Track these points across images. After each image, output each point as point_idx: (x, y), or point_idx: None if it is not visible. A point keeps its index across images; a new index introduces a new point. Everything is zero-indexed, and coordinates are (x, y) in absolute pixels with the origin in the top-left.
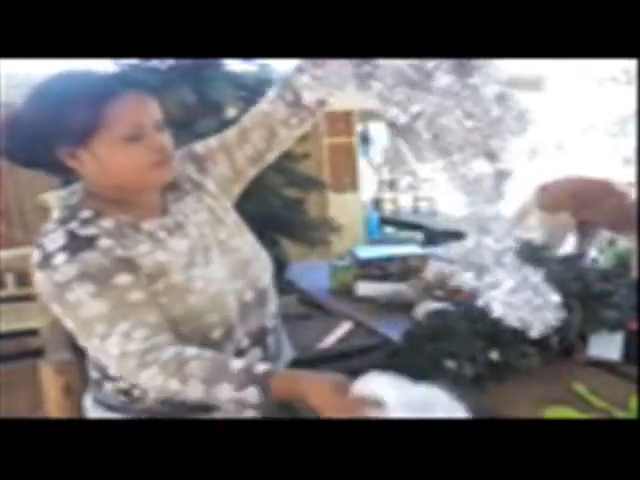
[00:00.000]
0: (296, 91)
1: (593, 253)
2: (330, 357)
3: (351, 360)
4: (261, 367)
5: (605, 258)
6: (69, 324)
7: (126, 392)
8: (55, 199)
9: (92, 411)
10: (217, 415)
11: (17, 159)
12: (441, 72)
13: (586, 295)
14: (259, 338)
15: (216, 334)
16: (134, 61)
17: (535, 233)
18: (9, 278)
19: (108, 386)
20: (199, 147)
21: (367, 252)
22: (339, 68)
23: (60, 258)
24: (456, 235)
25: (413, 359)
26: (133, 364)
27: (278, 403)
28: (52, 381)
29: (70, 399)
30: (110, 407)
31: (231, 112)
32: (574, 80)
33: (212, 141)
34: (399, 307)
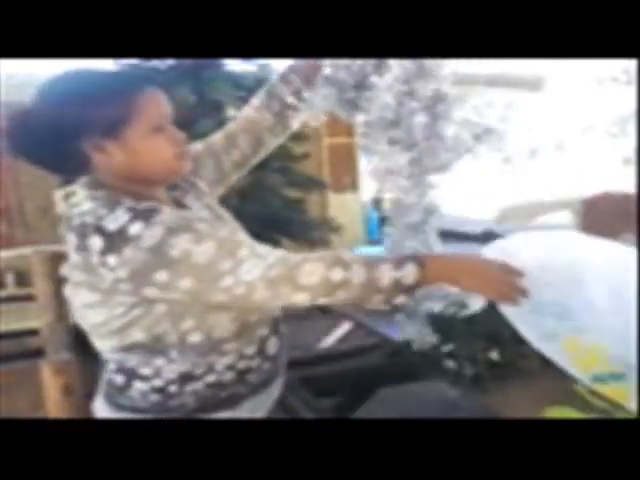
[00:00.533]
0: (282, 100)
1: None
2: (330, 357)
3: (351, 360)
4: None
5: None
6: (186, 282)
7: (161, 390)
8: (60, 198)
9: (110, 416)
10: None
11: (30, 155)
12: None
13: None
14: (275, 327)
15: (253, 318)
16: (134, 61)
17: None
18: (9, 278)
19: (138, 387)
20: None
21: (367, 252)
22: (326, 91)
23: (136, 227)
24: (456, 235)
25: (413, 359)
26: (282, 273)
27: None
28: (52, 381)
29: (70, 399)
30: (137, 410)
31: (231, 112)
32: (574, 80)
33: (198, 145)
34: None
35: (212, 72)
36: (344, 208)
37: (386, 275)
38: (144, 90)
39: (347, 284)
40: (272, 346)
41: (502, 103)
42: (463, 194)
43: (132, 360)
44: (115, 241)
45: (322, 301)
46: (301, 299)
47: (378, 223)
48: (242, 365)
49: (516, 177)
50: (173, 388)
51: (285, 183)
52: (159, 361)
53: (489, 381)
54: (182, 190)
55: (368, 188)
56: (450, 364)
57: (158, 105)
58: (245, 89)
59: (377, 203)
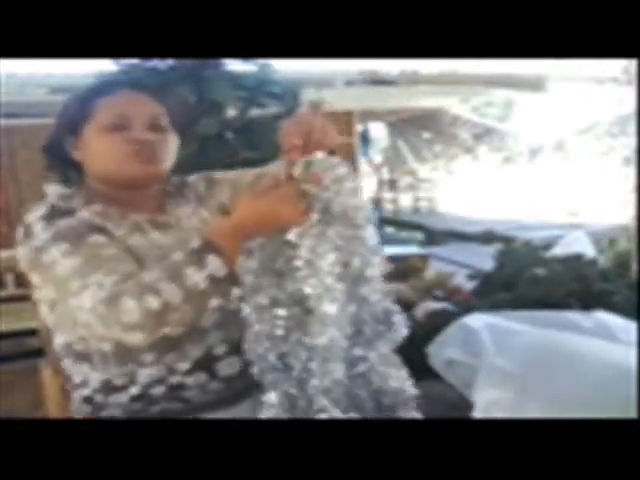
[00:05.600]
0: None
1: (592, 253)
2: None
3: None
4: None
5: (605, 258)
6: (46, 292)
7: (89, 399)
8: (52, 191)
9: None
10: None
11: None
12: None
13: (586, 295)
14: (235, 348)
15: (175, 332)
16: (134, 61)
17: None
18: (9, 278)
19: (74, 395)
20: (217, 174)
21: None
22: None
23: (38, 226)
24: (456, 235)
25: (413, 359)
26: (105, 308)
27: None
28: (52, 381)
29: (70, 399)
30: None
31: (231, 112)
32: (574, 80)
33: (230, 173)
34: (399, 307)
35: (212, 72)
36: None
37: (197, 277)
38: (115, 92)
39: (168, 307)
40: (226, 367)
41: (502, 103)
42: (463, 194)
43: (67, 364)
44: (22, 236)
45: (160, 333)
46: (136, 340)
47: (378, 223)
48: (174, 380)
49: (516, 177)
50: (99, 398)
51: None
52: (84, 367)
53: None
54: (183, 199)
55: (368, 188)
56: None
57: (123, 105)
58: (245, 89)
59: (377, 203)
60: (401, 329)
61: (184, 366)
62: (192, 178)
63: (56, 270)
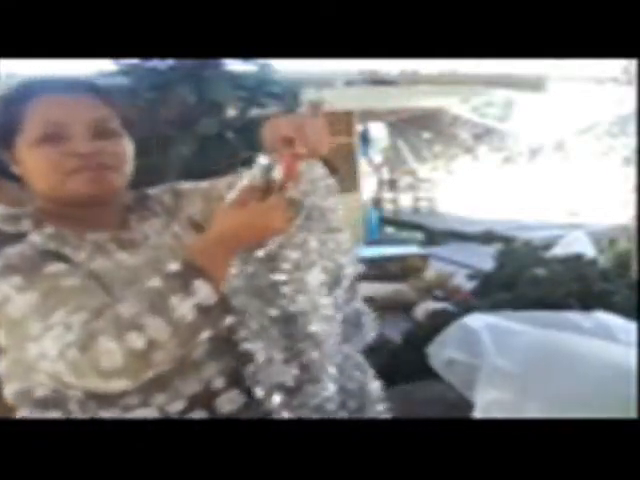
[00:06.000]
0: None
1: (592, 252)
2: None
3: None
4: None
5: (605, 258)
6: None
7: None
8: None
9: None
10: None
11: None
12: None
13: (586, 295)
14: (234, 379)
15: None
16: (134, 61)
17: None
18: None
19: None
20: (185, 184)
21: (367, 252)
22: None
23: None
24: (456, 235)
25: (413, 359)
26: (77, 353)
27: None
28: None
29: None
30: None
31: (231, 112)
32: (574, 80)
33: (201, 184)
34: (399, 307)
35: (212, 72)
36: (344, 208)
37: (183, 307)
38: (47, 96)
39: (154, 345)
40: (227, 403)
41: (502, 103)
42: (463, 194)
43: (25, 414)
44: None
45: (147, 376)
46: (118, 387)
47: (378, 223)
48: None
49: (516, 177)
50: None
51: None
52: (54, 415)
53: None
54: (150, 212)
55: (368, 188)
56: None
57: (59, 112)
58: (245, 89)
59: (377, 203)
60: (370, 331)
61: (178, 406)
62: (155, 191)
63: (7, 310)
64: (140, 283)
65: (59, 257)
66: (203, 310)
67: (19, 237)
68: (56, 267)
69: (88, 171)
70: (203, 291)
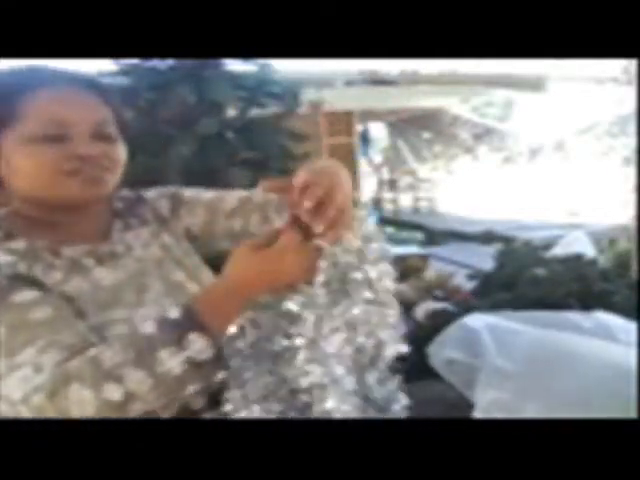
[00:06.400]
0: None
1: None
2: None
3: None
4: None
5: (605, 258)
6: None
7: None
8: None
9: None
10: None
11: None
12: None
13: (586, 295)
14: (213, 399)
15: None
16: (134, 61)
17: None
18: None
19: None
20: (187, 192)
21: None
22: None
23: None
24: (456, 235)
25: (413, 359)
26: (45, 400)
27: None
28: None
29: None
30: None
31: (231, 112)
32: (574, 80)
33: (206, 194)
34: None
35: (212, 72)
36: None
37: (172, 362)
38: (48, 90)
39: (132, 398)
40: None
41: (502, 103)
42: (463, 194)
43: None
44: None
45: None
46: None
47: (378, 223)
48: None
49: (516, 177)
50: None
51: None
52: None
53: None
54: (137, 219)
55: (368, 188)
56: None
57: (53, 106)
58: (245, 89)
59: (377, 203)
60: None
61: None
62: (152, 194)
63: None
64: (132, 327)
65: (29, 282)
66: (194, 365)
67: None
68: (25, 295)
69: (84, 175)
70: (198, 345)
